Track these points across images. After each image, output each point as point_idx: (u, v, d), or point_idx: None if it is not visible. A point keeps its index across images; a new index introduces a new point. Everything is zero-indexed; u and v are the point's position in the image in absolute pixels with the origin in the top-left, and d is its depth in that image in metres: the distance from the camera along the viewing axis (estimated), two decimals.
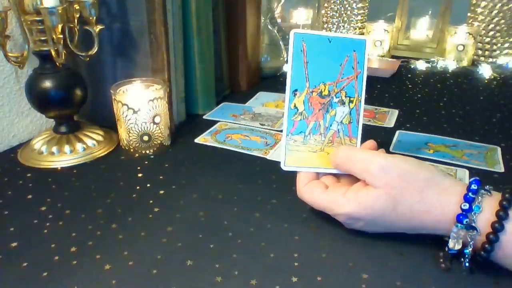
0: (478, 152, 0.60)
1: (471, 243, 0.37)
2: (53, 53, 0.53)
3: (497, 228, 0.35)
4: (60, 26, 0.52)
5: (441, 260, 0.39)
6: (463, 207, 0.36)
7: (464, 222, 0.36)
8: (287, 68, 0.44)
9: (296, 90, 0.44)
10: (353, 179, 0.42)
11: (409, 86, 0.89)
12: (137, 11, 0.60)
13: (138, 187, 0.52)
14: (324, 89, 0.44)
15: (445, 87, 0.88)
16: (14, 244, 0.42)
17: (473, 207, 0.36)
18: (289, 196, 0.50)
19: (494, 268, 0.37)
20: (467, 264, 0.38)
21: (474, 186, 0.37)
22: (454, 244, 0.37)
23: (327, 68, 0.44)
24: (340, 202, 0.41)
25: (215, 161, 0.58)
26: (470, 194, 0.37)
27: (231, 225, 0.45)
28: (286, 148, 0.45)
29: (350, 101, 0.44)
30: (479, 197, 0.37)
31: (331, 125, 0.45)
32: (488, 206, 0.36)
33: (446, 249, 0.38)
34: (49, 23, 0.51)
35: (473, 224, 0.36)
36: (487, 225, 0.36)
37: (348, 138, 0.45)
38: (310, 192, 0.44)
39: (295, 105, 0.44)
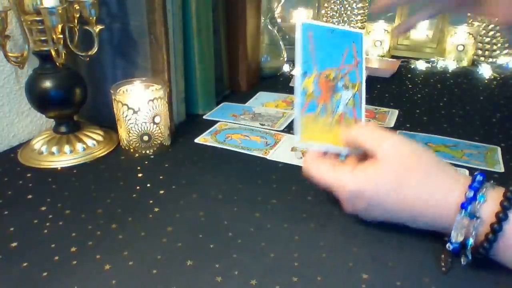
0: (478, 152, 0.60)
1: (473, 233, 0.36)
2: (53, 53, 0.54)
3: (502, 217, 0.35)
4: (60, 26, 0.52)
5: (442, 263, 0.39)
6: (467, 195, 0.37)
7: (468, 209, 0.36)
8: (295, 53, 0.44)
9: (306, 73, 0.45)
10: (361, 161, 0.43)
11: (409, 86, 0.89)
12: (137, 11, 0.60)
13: (138, 187, 0.52)
14: (330, 74, 0.45)
15: (445, 87, 0.88)
16: (14, 244, 0.42)
17: (478, 196, 0.36)
18: (289, 196, 0.50)
19: (494, 268, 0.38)
20: (469, 257, 0.37)
21: (479, 178, 0.37)
22: (456, 235, 0.37)
23: (331, 56, 0.45)
24: (346, 177, 0.41)
25: (215, 161, 0.58)
26: (475, 183, 0.37)
27: (231, 225, 0.45)
28: (301, 124, 0.45)
29: (353, 86, 0.46)
30: (484, 188, 0.37)
31: (338, 107, 0.46)
32: (492, 197, 0.37)
33: (447, 246, 0.38)
34: (49, 23, 0.51)
35: (477, 214, 0.36)
36: (491, 215, 0.36)
37: (354, 120, 0.46)
38: (316, 167, 0.44)
39: (305, 87, 0.45)
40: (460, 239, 0.37)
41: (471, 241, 0.37)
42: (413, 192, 0.39)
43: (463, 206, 0.36)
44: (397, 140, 0.40)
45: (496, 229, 0.35)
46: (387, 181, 0.39)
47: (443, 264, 0.39)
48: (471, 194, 0.37)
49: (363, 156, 0.43)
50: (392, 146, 0.40)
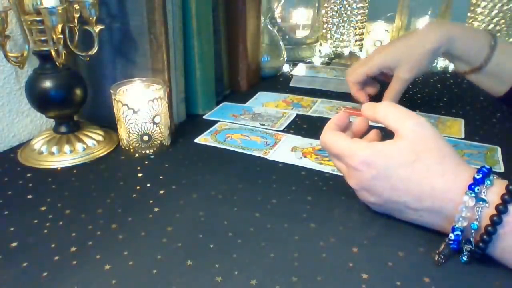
0: (478, 152, 0.60)
1: (478, 216, 0.36)
2: (53, 53, 0.54)
3: (507, 200, 0.35)
4: (60, 26, 0.52)
5: (437, 253, 0.39)
6: (476, 176, 0.37)
7: (476, 190, 0.37)
8: None
9: None
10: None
11: (409, 86, 0.88)
12: (137, 11, 0.60)
13: (138, 187, 0.52)
14: None
15: (445, 87, 0.88)
16: (14, 244, 0.42)
17: (485, 180, 0.37)
18: (289, 196, 0.50)
19: (494, 269, 0.38)
20: (473, 247, 0.37)
21: (486, 168, 0.38)
22: (461, 219, 0.37)
23: None
24: (361, 145, 0.42)
25: (215, 161, 0.58)
26: (484, 169, 0.38)
27: (231, 225, 0.45)
28: None
29: None
30: (491, 176, 0.38)
31: None
32: (499, 183, 0.37)
33: (448, 237, 0.38)
34: (49, 23, 0.51)
35: (483, 196, 0.37)
36: (497, 198, 0.36)
37: None
38: (332, 134, 0.45)
39: None
40: (464, 224, 0.37)
41: (475, 225, 0.37)
42: (425, 169, 0.39)
43: (470, 188, 0.37)
44: (420, 121, 0.41)
45: (501, 210, 0.35)
46: (401, 157, 0.40)
47: (437, 254, 0.39)
48: (480, 176, 0.37)
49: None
50: (414, 126, 0.41)
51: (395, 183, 0.40)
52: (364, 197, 0.44)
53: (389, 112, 0.43)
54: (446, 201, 0.38)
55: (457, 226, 0.37)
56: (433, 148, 0.40)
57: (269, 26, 0.92)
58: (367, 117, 0.45)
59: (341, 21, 1.11)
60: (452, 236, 0.38)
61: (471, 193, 0.37)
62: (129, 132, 0.58)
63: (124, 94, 0.59)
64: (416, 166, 0.39)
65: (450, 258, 0.39)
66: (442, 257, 0.39)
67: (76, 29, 0.56)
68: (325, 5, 1.12)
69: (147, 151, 0.60)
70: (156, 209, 0.48)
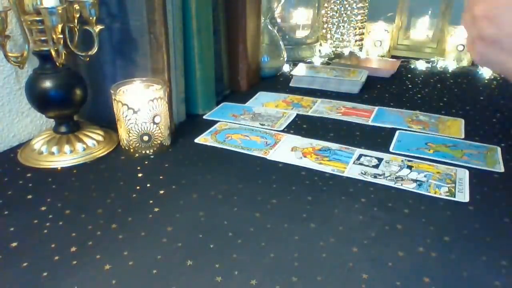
0: (478, 152, 0.60)
1: None
2: (53, 53, 0.54)
3: None
4: (60, 26, 0.52)
5: None
6: None
7: None
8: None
9: None
10: None
11: (409, 86, 0.89)
12: (137, 11, 0.60)
13: (138, 187, 0.52)
14: None
15: (445, 87, 0.88)
16: (14, 244, 0.42)
17: None
18: (289, 196, 0.50)
19: (495, 267, 0.37)
20: None
21: None
22: None
23: None
24: None
25: (215, 161, 0.58)
26: None
27: (231, 225, 0.45)
28: None
29: None
30: None
31: None
32: None
33: None
34: (49, 23, 0.51)
35: None
36: None
37: None
38: None
39: None
40: None
41: None
42: None
43: None
44: None
45: None
46: None
47: None
48: None
49: None
50: None
51: None
52: (479, 30, 0.39)
53: None
54: None
55: None
56: None
57: (269, 26, 0.92)
58: None
59: (341, 21, 1.11)
60: None
61: None
62: (129, 132, 0.58)
63: (124, 94, 0.59)
64: None
65: (447, 260, 0.39)
66: None
67: (76, 29, 0.56)
68: (325, 5, 1.12)
69: (147, 151, 0.60)
70: (156, 209, 0.48)
